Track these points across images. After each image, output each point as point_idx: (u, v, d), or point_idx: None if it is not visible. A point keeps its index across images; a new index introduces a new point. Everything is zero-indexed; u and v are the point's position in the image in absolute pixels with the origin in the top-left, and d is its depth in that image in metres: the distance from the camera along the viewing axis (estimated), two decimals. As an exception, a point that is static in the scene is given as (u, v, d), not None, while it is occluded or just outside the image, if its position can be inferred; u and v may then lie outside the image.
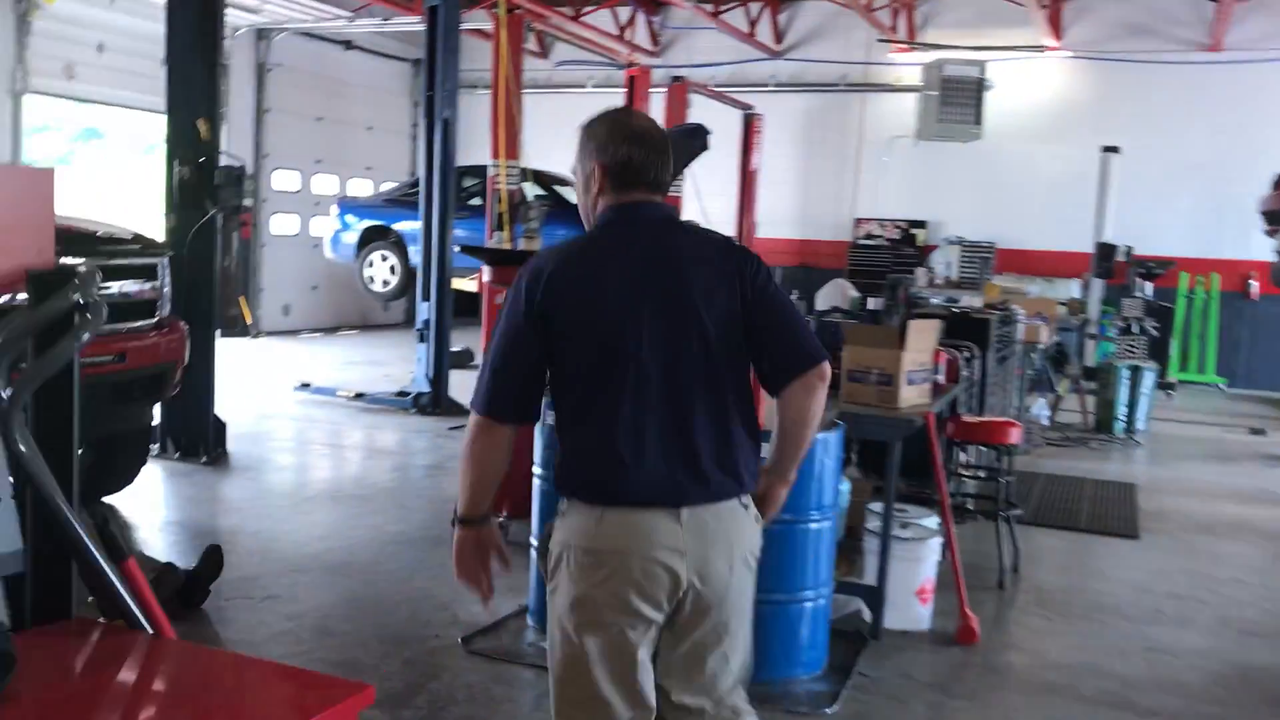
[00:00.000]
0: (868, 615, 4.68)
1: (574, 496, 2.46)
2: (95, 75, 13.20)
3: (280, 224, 16.52)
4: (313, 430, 9.10)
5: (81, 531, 2.16)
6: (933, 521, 4.98)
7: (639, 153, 2.51)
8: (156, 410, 7.53)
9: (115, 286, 5.43)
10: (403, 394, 10.09)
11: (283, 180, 16.50)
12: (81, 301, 2.16)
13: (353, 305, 16.70)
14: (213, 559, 4.79)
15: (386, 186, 16.20)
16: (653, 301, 2.44)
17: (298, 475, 7.42)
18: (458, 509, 2.54)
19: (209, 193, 7.38)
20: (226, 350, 14.31)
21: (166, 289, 5.80)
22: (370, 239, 12.63)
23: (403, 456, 8.18)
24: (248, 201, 7.62)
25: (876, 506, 4.90)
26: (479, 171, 11.78)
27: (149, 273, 5.63)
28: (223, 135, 15.30)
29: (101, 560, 2.18)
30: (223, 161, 7.52)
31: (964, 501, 6.38)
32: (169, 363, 5.68)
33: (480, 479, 2.50)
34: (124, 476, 6.22)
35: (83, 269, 2.20)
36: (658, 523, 2.39)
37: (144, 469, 6.36)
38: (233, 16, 14.80)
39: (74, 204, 13.92)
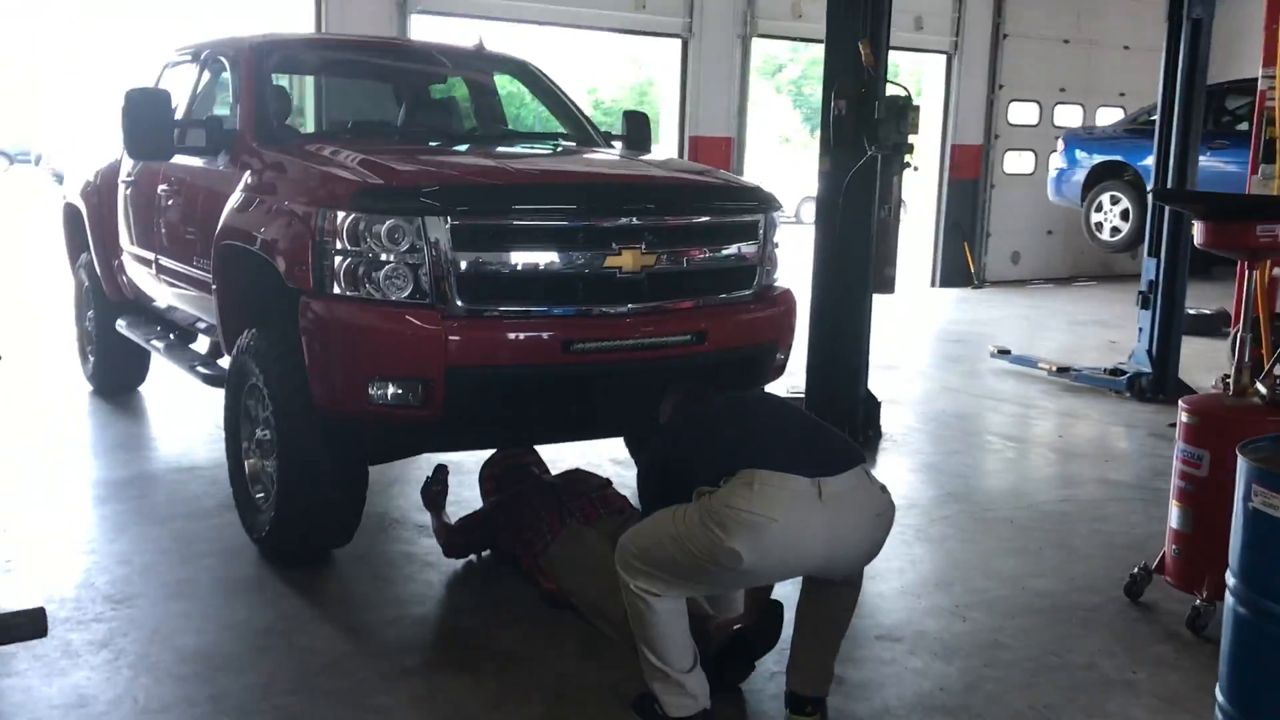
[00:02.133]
0: None
1: (731, 473, 3.02)
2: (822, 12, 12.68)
3: (1014, 162, 14.95)
4: (993, 414, 7.59)
5: None
6: None
7: None
8: (792, 384, 6.65)
9: (714, 251, 4.50)
10: (1116, 372, 8.13)
11: (1019, 113, 14.87)
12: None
13: (1091, 253, 14.58)
14: (769, 621, 3.56)
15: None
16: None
17: (943, 479, 6.01)
18: None
19: (868, 130, 6.20)
20: (934, 306, 13.38)
21: (773, 252, 4.74)
22: (1101, 177, 10.59)
23: (1095, 463, 6.36)
24: (912, 139, 6.24)
25: None
26: (1250, 88, 9.14)
27: (747, 232, 4.60)
28: (954, 66, 14.38)
29: None
30: (888, 91, 6.28)
31: None
32: (764, 344, 4.62)
33: None
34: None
35: None
36: (804, 499, 2.95)
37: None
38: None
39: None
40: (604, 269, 4.12)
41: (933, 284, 14.60)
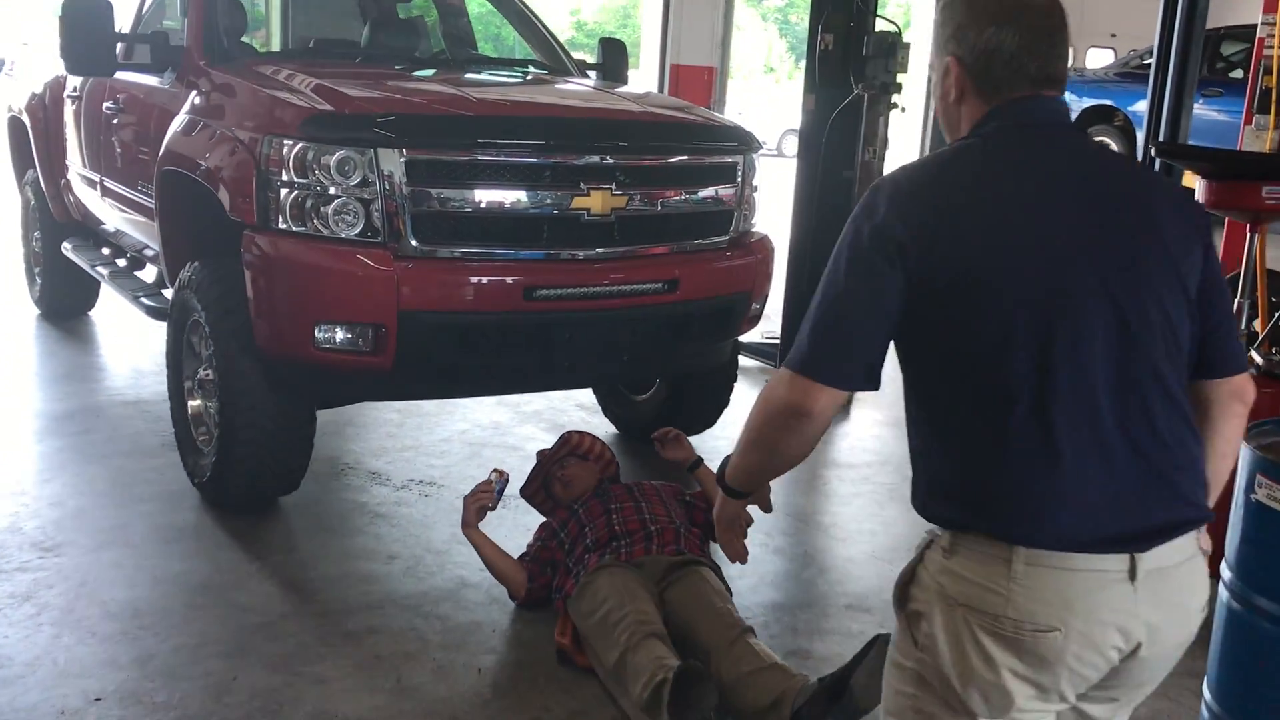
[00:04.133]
0: None
1: (966, 527, 1.66)
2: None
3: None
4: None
5: None
6: None
7: (1012, 36, 1.71)
8: (767, 329, 6.45)
9: (689, 194, 4.22)
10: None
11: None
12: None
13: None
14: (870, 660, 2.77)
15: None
16: (1096, 257, 1.65)
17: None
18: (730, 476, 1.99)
19: (855, 67, 5.92)
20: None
21: (751, 195, 4.49)
22: (1090, 122, 10.34)
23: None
24: (901, 78, 5.96)
25: None
26: (1247, 35, 8.90)
27: (724, 174, 4.35)
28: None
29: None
30: (878, 27, 5.99)
31: None
32: (738, 294, 4.38)
33: (772, 465, 1.91)
34: (699, 419, 5.15)
35: None
36: (1105, 584, 1.61)
37: (726, 408, 5.24)
38: None
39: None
40: (571, 210, 3.87)
41: (913, 224, 14.38)
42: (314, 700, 3.00)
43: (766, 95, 30.66)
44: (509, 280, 3.79)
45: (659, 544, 3.38)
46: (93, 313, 7.15)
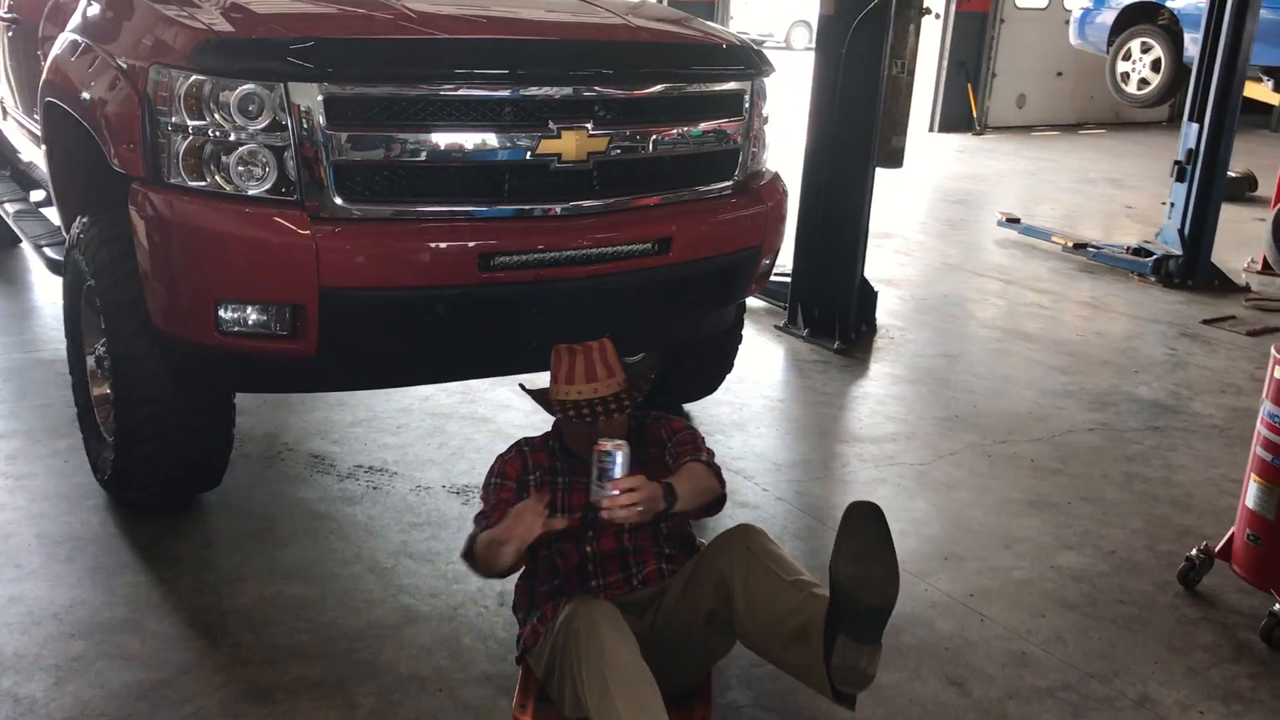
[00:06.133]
0: None
1: None
2: None
3: (1027, -5, 13.66)
4: (1000, 300, 6.67)
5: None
6: None
7: None
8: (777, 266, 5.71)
9: (685, 132, 3.43)
10: (1141, 252, 7.20)
11: (1037, -60, 13.49)
12: None
13: (1103, 99, 13.42)
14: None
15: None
16: None
17: (948, 395, 5.10)
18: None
19: (881, -34, 5.08)
20: (932, 155, 12.22)
21: (761, 129, 3.72)
22: (1131, 21, 9.40)
23: (1121, 373, 5.47)
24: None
25: None
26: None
27: (729, 106, 3.57)
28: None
29: None
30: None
31: None
32: (745, 250, 3.64)
33: None
34: (698, 385, 4.47)
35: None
36: None
37: (728, 375, 4.55)
38: None
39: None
40: (537, 156, 3.11)
41: (931, 129, 13.48)
42: (204, 804, 2.36)
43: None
44: (460, 246, 3.04)
45: (639, 580, 2.63)
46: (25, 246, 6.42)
